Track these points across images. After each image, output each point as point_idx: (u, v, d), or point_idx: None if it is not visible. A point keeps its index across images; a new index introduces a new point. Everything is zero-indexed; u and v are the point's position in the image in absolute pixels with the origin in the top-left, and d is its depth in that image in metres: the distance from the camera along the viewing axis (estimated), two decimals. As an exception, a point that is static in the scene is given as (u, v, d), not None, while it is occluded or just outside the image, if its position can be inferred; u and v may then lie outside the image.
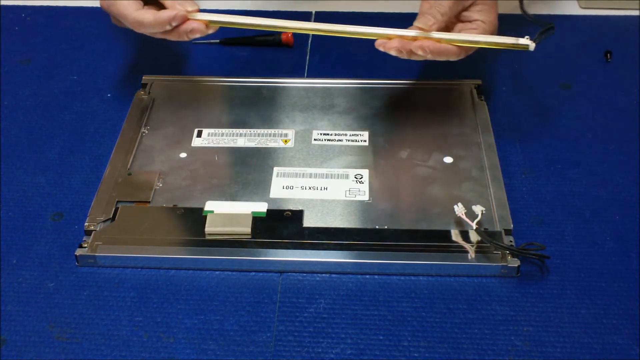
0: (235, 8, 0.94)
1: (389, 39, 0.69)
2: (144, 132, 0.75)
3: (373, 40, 0.69)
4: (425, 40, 0.68)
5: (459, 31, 0.71)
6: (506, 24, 0.73)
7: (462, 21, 0.71)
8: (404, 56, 0.69)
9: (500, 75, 0.83)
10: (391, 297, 0.61)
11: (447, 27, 0.71)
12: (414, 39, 0.68)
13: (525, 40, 0.68)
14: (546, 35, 0.70)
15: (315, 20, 0.93)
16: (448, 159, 0.72)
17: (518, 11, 0.76)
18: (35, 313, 0.60)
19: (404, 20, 0.71)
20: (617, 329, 0.59)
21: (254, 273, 0.63)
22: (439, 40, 0.68)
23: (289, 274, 0.63)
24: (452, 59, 0.70)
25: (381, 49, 0.69)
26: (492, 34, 0.70)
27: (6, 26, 0.92)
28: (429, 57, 0.69)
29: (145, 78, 0.82)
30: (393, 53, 0.69)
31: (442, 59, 0.70)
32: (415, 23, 0.69)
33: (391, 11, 0.94)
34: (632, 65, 0.85)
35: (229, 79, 0.82)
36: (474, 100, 0.79)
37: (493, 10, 0.71)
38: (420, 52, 0.68)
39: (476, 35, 0.69)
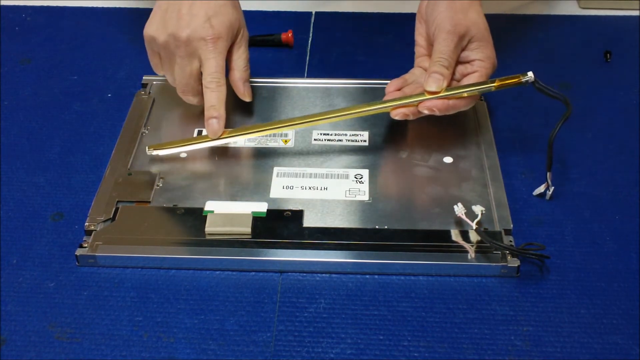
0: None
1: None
2: (144, 132, 0.75)
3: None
4: (433, 100, 0.68)
5: (460, 75, 0.70)
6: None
7: (461, 62, 0.70)
8: (411, 118, 0.69)
9: (500, 75, 0.83)
10: (391, 297, 0.61)
11: None
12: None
13: (527, 76, 0.68)
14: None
15: (315, 20, 0.93)
16: (448, 159, 0.72)
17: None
18: (35, 313, 0.60)
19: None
20: (617, 329, 0.59)
21: (254, 273, 0.63)
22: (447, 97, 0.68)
23: (289, 274, 0.63)
24: (464, 109, 0.70)
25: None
26: (492, 69, 0.70)
27: (6, 26, 0.92)
28: (437, 114, 0.69)
29: (145, 78, 0.82)
30: (399, 118, 0.69)
31: (453, 113, 0.69)
32: (427, 87, 0.68)
33: (391, 11, 0.94)
34: (632, 65, 0.85)
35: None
36: (474, 100, 0.79)
37: (489, 44, 0.70)
38: (426, 112, 0.68)
39: (478, 83, 0.68)
